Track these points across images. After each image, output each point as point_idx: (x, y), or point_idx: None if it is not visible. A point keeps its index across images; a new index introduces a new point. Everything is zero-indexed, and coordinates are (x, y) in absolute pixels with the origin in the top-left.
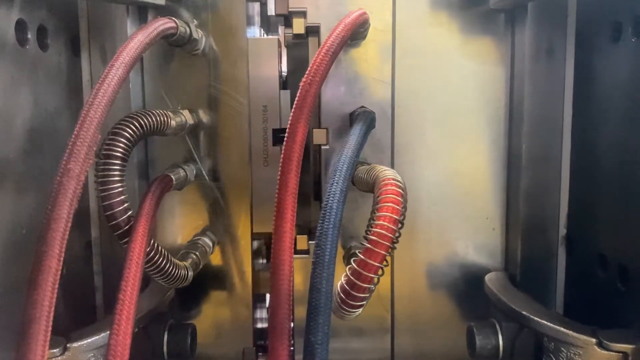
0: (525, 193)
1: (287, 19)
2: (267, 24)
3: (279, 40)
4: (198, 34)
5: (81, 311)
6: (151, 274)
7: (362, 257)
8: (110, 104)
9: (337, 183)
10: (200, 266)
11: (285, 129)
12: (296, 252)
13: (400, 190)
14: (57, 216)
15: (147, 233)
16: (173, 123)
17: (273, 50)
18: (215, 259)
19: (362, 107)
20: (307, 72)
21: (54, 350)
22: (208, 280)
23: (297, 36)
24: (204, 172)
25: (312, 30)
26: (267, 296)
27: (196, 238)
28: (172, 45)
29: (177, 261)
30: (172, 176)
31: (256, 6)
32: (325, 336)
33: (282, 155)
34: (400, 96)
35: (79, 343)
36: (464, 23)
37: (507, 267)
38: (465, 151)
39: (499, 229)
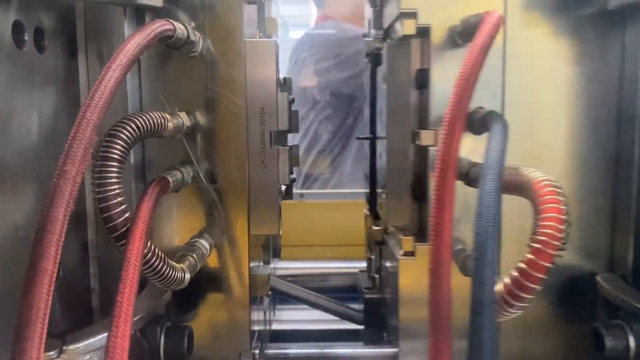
0: (637, 194)
1: (377, 19)
2: (264, 26)
3: (276, 43)
4: (195, 36)
5: (77, 313)
6: (148, 276)
7: (531, 256)
8: (108, 106)
9: (491, 181)
10: (198, 268)
11: (285, 131)
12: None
13: (558, 190)
14: (53, 218)
15: (144, 235)
16: (170, 125)
17: (271, 52)
18: (213, 261)
19: (481, 107)
20: (460, 72)
21: (50, 353)
22: (205, 282)
23: (403, 37)
24: (201, 174)
25: (421, 32)
26: (265, 299)
27: (193, 240)
28: (170, 47)
29: (174, 263)
30: (169, 178)
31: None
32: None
33: (439, 154)
34: (510, 98)
35: (75, 345)
36: (574, 24)
37: (614, 268)
38: (574, 152)
39: (606, 230)
